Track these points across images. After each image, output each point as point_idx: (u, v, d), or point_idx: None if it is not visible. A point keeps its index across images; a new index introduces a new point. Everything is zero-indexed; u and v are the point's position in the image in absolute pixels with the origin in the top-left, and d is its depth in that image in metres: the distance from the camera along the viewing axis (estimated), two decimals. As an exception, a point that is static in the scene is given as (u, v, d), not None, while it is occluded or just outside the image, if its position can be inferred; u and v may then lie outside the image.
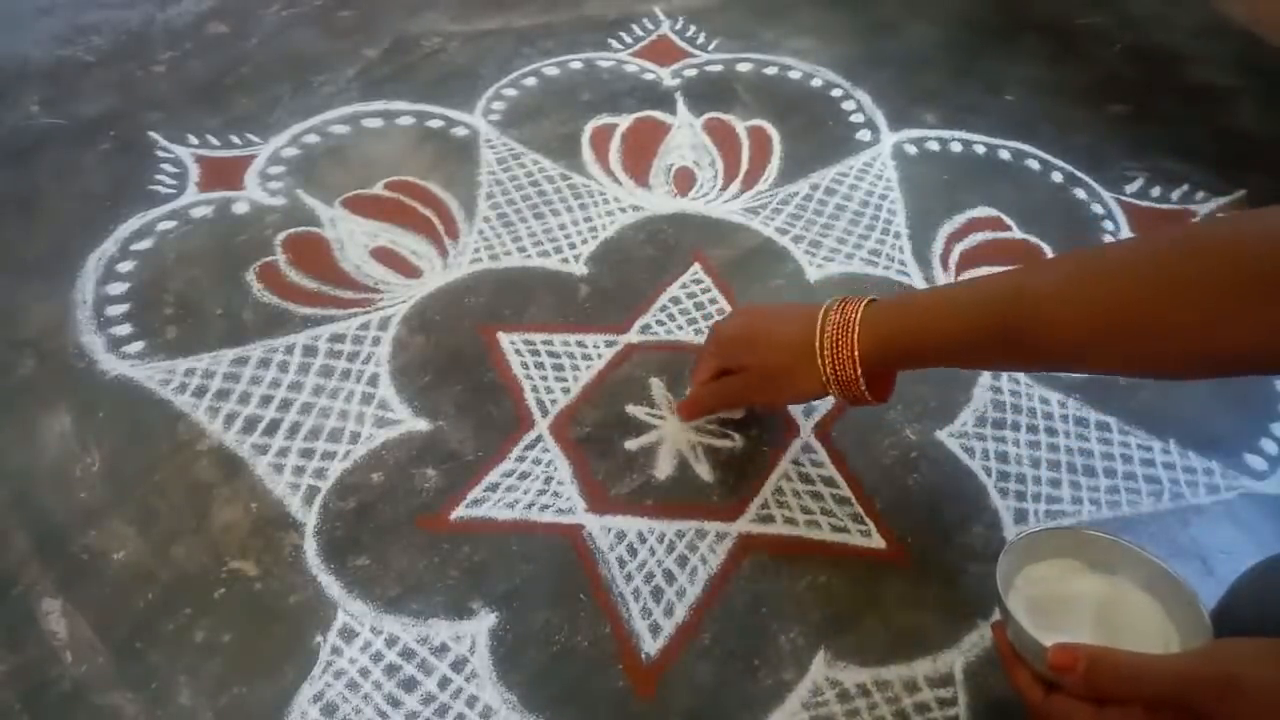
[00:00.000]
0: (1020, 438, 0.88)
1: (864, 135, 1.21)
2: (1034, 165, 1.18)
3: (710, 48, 1.33)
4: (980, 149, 1.20)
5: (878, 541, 0.79)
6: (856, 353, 0.66)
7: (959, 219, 1.10)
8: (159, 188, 1.07)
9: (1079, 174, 1.17)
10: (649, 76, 1.27)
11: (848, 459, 0.85)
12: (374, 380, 0.89)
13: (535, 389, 0.89)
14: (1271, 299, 0.48)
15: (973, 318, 0.62)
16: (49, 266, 0.97)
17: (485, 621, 0.72)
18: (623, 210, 1.08)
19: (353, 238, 1.02)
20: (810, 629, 0.73)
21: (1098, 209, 1.13)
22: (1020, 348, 0.61)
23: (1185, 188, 1.17)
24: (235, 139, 1.14)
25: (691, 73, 1.29)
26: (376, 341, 0.92)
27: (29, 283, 0.96)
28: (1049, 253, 1.07)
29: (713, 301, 0.98)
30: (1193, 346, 0.53)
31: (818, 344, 0.68)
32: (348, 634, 0.71)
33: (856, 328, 0.66)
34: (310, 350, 0.91)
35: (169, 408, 0.86)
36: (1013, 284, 0.61)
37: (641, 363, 0.91)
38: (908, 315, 0.66)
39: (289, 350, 0.91)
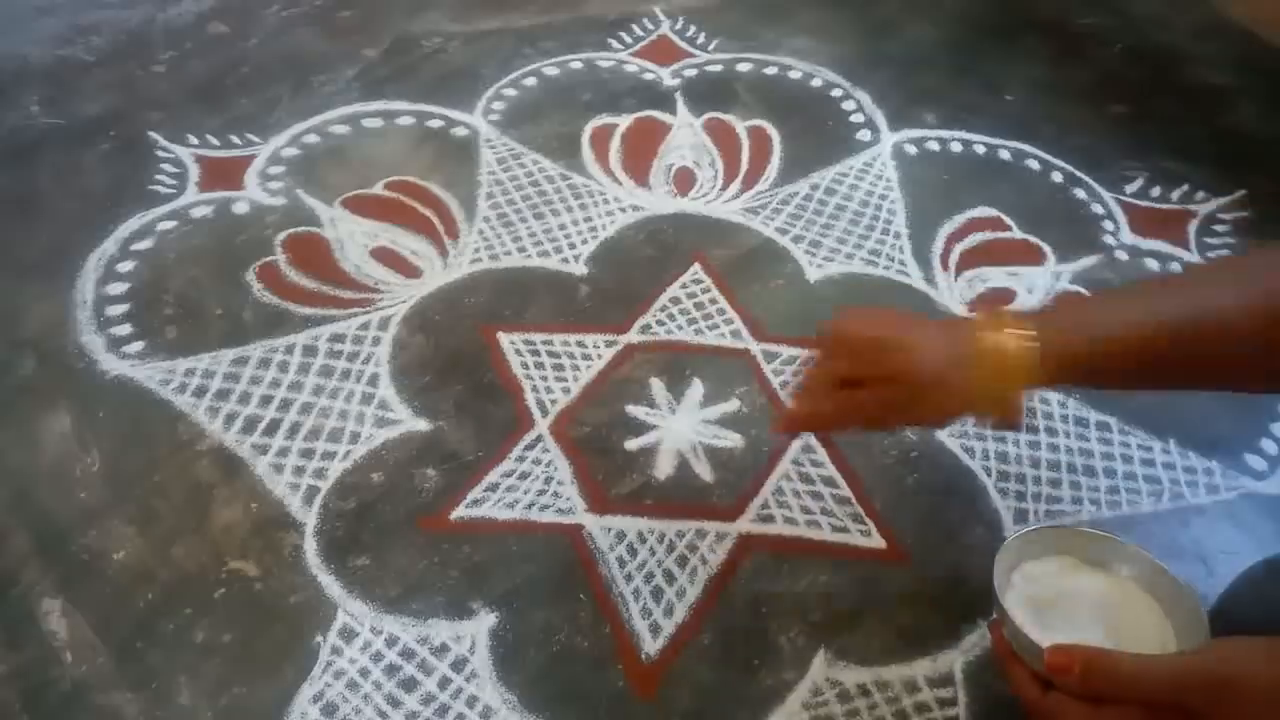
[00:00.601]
0: (1020, 438, 0.88)
1: (864, 135, 1.21)
2: (1034, 165, 1.19)
3: (710, 48, 1.33)
4: (980, 149, 1.20)
5: (878, 541, 0.79)
6: (1030, 375, 0.58)
7: (959, 219, 1.10)
8: (159, 188, 1.07)
9: (1079, 174, 1.17)
10: (649, 76, 1.27)
11: (848, 459, 0.85)
12: (374, 380, 0.89)
13: (535, 389, 0.89)
14: None
15: (1151, 340, 0.56)
16: (49, 266, 0.97)
17: (485, 621, 0.72)
18: (623, 210, 1.08)
19: (353, 238, 1.02)
20: (810, 629, 0.73)
21: (1098, 209, 1.13)
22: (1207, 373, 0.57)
23: (1185, 188, 1.17)
24: (235, 139, 1.14)
25: (691, 73, 1.29)
26: (376, 341, 0.92)
27: (29, 283, 0.96)
28: (1049, 252, 1.07)
29: (713, 301, 0.98)
30: None
31: (978, 358, 0.58)
32: (348, 634, 0.71)
33: (1028, 347, 0.58)
34: (310, 350, 0.91)
35: (169, 408, 0.86)
36: (1191, 301, 0.56)
37: (641, 363, 0.91)
38: (1084, 339, 0.58)
39: (289, 350, 0.91)
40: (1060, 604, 0.57)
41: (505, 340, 0.93)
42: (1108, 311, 0.60)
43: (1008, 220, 1.10)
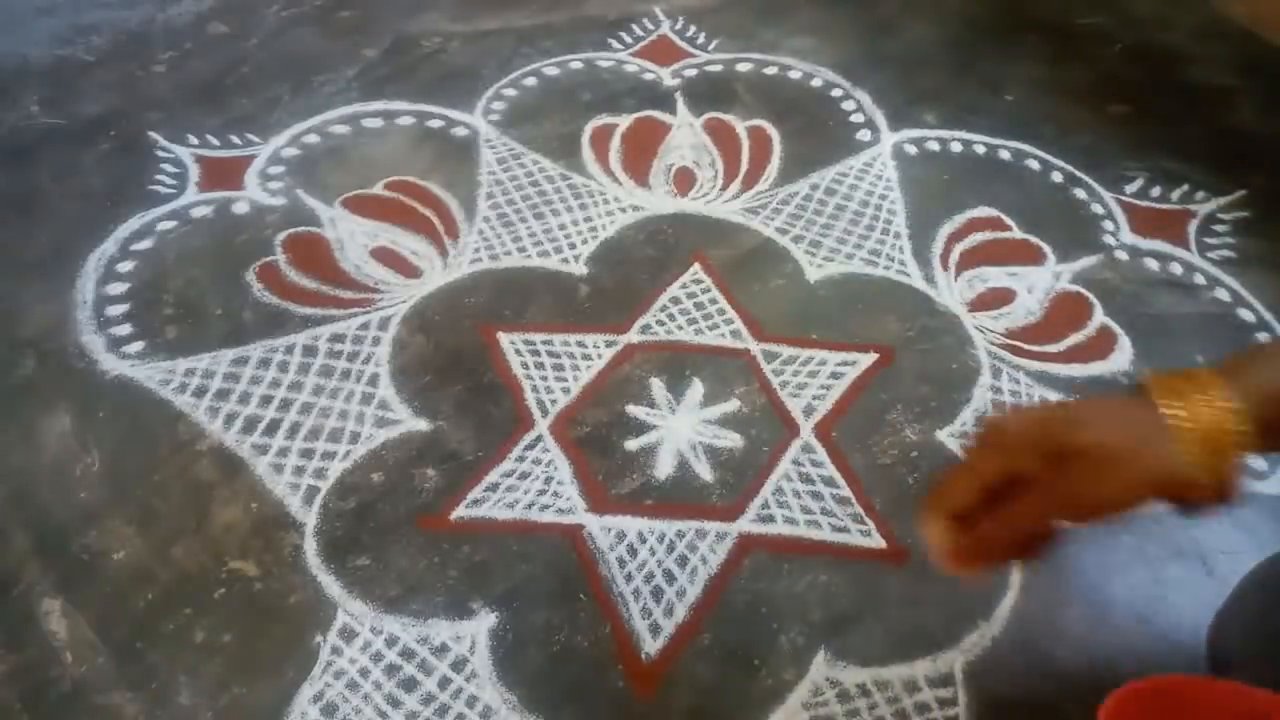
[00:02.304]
0: (1020, 438, 0.88)
1: (864, 135, 1.21)
2: (1034, 165, 1.18)
3: (710, 48, 1.33)
4: (980, 149, 1.20)
5: (878, 541, 0.79)
6: (1242, 441, 0.47)
7: (959, 219, 1.10)
8: (159, 188, 1.07)
9: (1079, 174, 1.17)
10: (649, 76, 1.27)
11: (848, 459, 0.85)
12: (374, 380, 0.89)
13: (535, 389, 0.89)
14: None
15: None
16: (49, 266, 0.97)
17: (485, 621, 0.72)
18: (623, 210, 1.08)
19: (353, 238, 1.02)
20: (810, 629, 0.73)
21: (1098, 209, 1.13)
22: None
23: (1185, 188, 1.17)
24: (235, 139, 1.14)
25: (691, 73, 1.29)
26: (376, 341, 0.92)
27: (29, 283, 0.96)
28: (1049, 252, 1.07)
29: (713, 301, 0.98)
30: None
31: (1176, 421, 0.48)
32: (348, 634, 0.71)
33: (1236, 410, 0.46)
34: (310, 350, 0.91)
35: (169, 408, 0.86)
36: None
37: (641, 363, 0.91)
38: None
39: (289, 350, 0.91)
40: None
41: (505, 340, 0.93)
42: None
43: (1008, 220, 1.10)
